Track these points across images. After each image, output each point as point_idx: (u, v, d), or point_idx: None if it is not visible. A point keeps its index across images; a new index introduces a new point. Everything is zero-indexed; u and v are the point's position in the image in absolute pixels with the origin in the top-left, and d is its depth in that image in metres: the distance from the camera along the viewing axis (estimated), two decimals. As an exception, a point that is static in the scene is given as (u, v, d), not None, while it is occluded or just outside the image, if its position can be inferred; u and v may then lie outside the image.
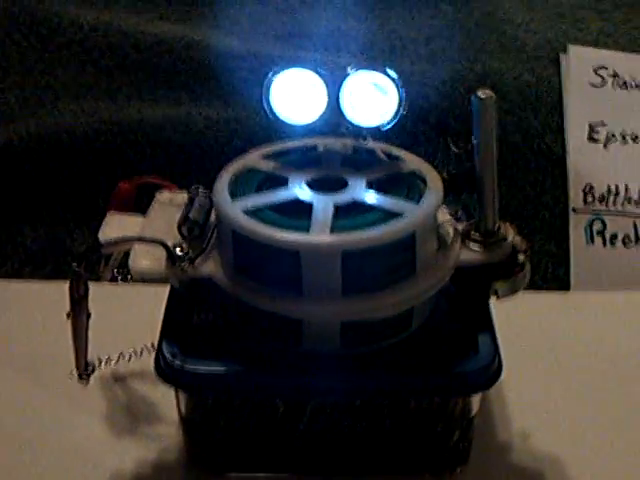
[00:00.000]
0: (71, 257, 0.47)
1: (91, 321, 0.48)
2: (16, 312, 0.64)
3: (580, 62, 0.80)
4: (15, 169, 0.76)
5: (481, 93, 0.44)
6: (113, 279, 0.53)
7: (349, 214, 0.44)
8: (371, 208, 0.44)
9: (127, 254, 0.48)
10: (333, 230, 0.43)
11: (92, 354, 0.49)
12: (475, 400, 0.48)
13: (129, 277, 0.48)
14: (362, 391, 0.46)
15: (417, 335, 0.47)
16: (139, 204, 0.56)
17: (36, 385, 0.57)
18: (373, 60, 0.80)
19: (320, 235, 0.42)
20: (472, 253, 0.46)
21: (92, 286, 0.47)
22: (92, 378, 0.49)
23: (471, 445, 0.50)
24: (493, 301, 0.48)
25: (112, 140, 0.77)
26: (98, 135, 0.77)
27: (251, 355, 0.46)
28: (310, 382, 0.45)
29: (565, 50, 0.81)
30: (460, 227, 0.47)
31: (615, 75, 0.79)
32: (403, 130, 0.71)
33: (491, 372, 0.45)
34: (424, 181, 0.46)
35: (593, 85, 0.78)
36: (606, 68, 0.79)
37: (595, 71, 0.79)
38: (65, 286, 0.46)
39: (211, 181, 0.47)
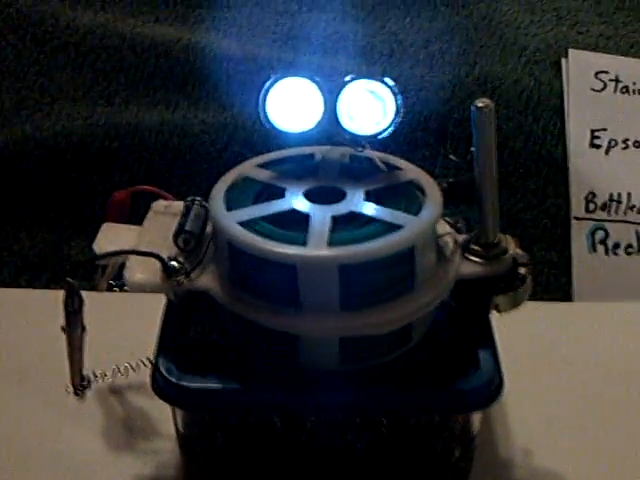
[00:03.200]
0: (66, 268, 0.46)
1: (87, 330, 0.47)
2: (12, 321, 0.63)
3: (581, 67, 0.79)
4: (10, 174, 0.76)
5: (479, 102, 0.43)
6: (110, 289, 0.53)
7: (347, 226, 0.43)
8: (369, 220, 0.44)
9: (123, 264, 0.47)
10: (331, 243, 0.42)
11: (89, 364, 0.48)
12: (476, 417, 0.47)
13: (125, 287, 0.47)
14: (360, 408, 0.45)
15: (416, 351, 0.46)
16: (135, 212, 0.55)
17: (31, 397, 0.56)
18: (371, 65, 0.79)
19: (317, 248, 0.42)
20: (472, 266, 0.46)
21: (88, 295, 0.46)
22: (87, 391, 0.49)
23: (472, 463, 0.50)
24: (493, 313, 0.47)
25: (108, 144, 0.76)
26: (95, 139, 0.76)
27: (248, 371, 0.45)
28: (308, 399, 0.44)
29: (566, 54, 0.81)
30: (460, 239, 0.47)
31: (616, 80, 0.78)
32: (401, 136, 0.71)
33: (492, 389, 0.45)
34: (423, 191, 0.46)
35: (594, 90, 0.78)
36: (607, 72, 0.79)
37: (596, 76, 0.78)
38: (62, 294, 0.46)
39: (207, 186, 0.47)
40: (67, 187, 0.76)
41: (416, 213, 0.44)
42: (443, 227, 0.47)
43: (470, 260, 0.46)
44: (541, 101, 0.77)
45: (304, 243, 0.42)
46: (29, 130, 0.78)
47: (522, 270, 0.46)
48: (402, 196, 0.46)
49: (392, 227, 0.43)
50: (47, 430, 0.54)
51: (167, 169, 0.75)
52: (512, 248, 0.46)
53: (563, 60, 0.80)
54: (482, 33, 0.84)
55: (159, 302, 0.48)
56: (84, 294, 0.46)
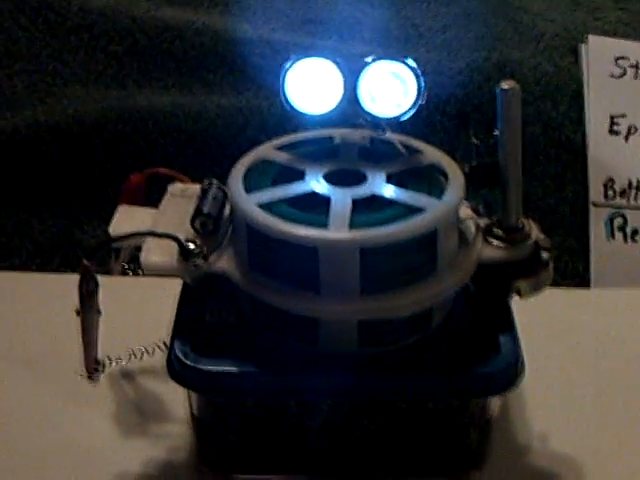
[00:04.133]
0: (81, 251, 0.45)
1: (102, 316, 0.46)
2: (24, 306, 0.63)
3: (600, 52, 0.78)
4: (22, 158, 0.75)
5: (505, 84, 0.43)
6: (124, 273, 0.52)
7: (368, 209, 0.43)
8: (391, 203, 0.43)
9: (138, 248, 0.46)
10: (352, 226, 0.41)
11: (102, 350, 0.48)
12: (494, 402, 0.47)
13: (140, 271, 0.46)
14: (379, 392, 0.44)
15: (436, 335, 0.45)
16: (150, 196, 0.54)
17: (44, 382, 0.56)
18: (388, 48, 0.79)
19: (338, 231, 0.41)
20: (494, 250, 0.45)
21: (102, 279, 0.45)
22: (101, 375, 0.48)
23: (489, 447, 0.49)
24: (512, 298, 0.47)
25: (122, 128, 0.76)
26: (107, 123, 0.76)
27: (265, 354, 0.44)
28: (325, 382, 0.44)
29: (584, 40, 0.80)
30: (482, 223, 0.46)
31: (636, 66, 0.77)
32: (419, 120, 0.70)
33: (513, 373, 0.44)
34: (445, 175, 0.45)
35: (613, 76, 0.77)
36: (627, 58, 0.78)
37: (616, 62, 0.77)
38: (74, 279, 0.45)
39: (223, 171, 0.46)
40: (79, 171, 0.75)
41: (438, 196, 0.43)
42: (465, 211, 0.46)
43: (492, 244, 0.45)
44: (560, 87, 0.76)
45: (325, 226, 0.41)
46: (41, 114, 0.77)
47: (544, 255, 0.45)
48: (424, 179, 0.45)
49: (414, 210, 0.42)
50: (60, 414, 0.54)
51: (181, 153, 0.75)
52: (535, 232, 0.46)
53: (582, 46, 0.79)
54: (499, 18, 0.83)
55: (173, 287, 0.48)
56: (98, 278, 0.45)
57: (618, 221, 0.71)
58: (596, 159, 0.72)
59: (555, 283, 0.66)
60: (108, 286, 0.46)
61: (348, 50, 0.78)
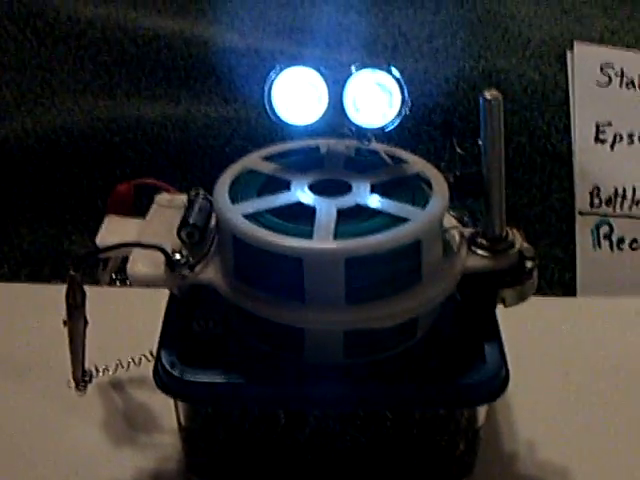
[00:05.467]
0: (69, 261, 0.45)
1: (89, 326, 0.46)
2: (13, 315, 0.63)
3: (586, 60, 0.79)
4: (11, 168, 0.75)
5: (487, 94, 0.43)
6: (111, 283, 0.53)
7: (353, 219, 0.43)
8: (375, 213, 0.43)
9: (126, 257, 0.46)
10: (336, 236, 0.42)
11: (90, 359, 0.48)
12: (481, 411, 0.47)
13: (128, 282, 0.47)
14: (365, 402, 0.45)
15: (422, 344, 0.45)
16: (137, 206, 0.54)
17: (33, 391, 0.56)
18: (375, 58, 0.79)
19: (323, 241, 0.41)
20: (479, 259, 0.45)
21: (90, 289, 0.46)
22: (90, 385, 0.48)
23: (476, 456, 0.49)
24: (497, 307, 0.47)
25: (110, 138, 0.76)
26: (96, 133, 0.76)
27: (251, 365, 0.44)
28: (312, 392, 0.44)
29: (571, 48, 0.80)
30: (466, 233, 0.46)
31: (622, 74, 0.77)
32: (406, 130, 0.70)
33: (498, 383, 0.44)
34: (429, 184, 0.45)
35: (600, 84, 0.77)
36: (613, 67, 0.78)
37: (601, 69, 0.78)
38: (63, 289, 0.45)
39: (211, 180, 0.46)
40: (68, 181, 0.75)
41: (423, 206, 0.43)
42: (449, 220, 0.46)
43: (477, 254, 0.45)
44: (546, 95, 0.76)
45: (310, 236, 0.41)
46: (30, 124, 0.77)
47: (529, 264, 0.46)
48: (408, 189, 0.45)
49: (398, 220, 0.42)
50: (49, 424, 0.54)
51: (169, 163, 0.75)
52: (519, 242, 0.46)
53: (568, 53, 0.79)
54: (486, 26, 0.83)
55: (161, 297, 0.48)
56: (86, 289, 0.45)
57: (604, 229, 0.71)
58: (582, 167, 0.73)
59: (542, 292, 0.67)
60: (96, 296, 0.47)
61: (335, 58, 0.78)
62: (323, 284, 0.42)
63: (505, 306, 0.46)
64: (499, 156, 0.44)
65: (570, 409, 0.55)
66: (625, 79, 0.77)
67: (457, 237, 0.46)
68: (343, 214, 0.43)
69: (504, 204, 0.45)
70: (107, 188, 0.62)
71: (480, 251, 0.45)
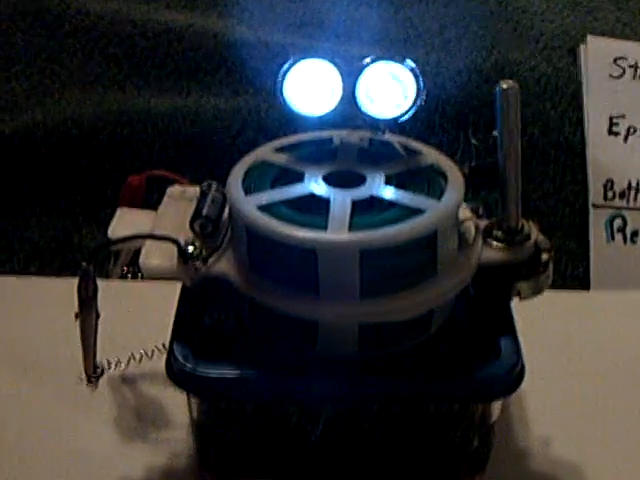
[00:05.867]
0: (80, 254, 0.45)
1: (100, 320, 0.46)
2: (23, 309, 0.62)
3: (599, 53, 0.78)
4: (21, 161, 0.75)
5: (504, 84, 0.42)
6: (123, 276, 0.52)
7: (368, 211, 0.43)
8: (390, 204, 0.43)
9: (137, 251, 0.46)
10: (351, 228, 0.41)
11: (102, 354, 0.48)
12: (495, 406, 0.47)
13: (139, 275, 0.46)
14: (379, 396, 0.44)
15: (436, 338, 0.45)
16: (149, 198, 0.54)
17: (43, 386, 0.56)
18: (387, 50, 0.78)
19: (338, 233, 0.41)
20: (494, 252, 0.45)
21: (101, 283, 0.45)
22: (100, 380, 0.48)
23: (490, 452, 0.49)
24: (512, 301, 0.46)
25: (120, 131, 0.76)
26: (106, 125, 0.76)
27: (265, 358, 0.44)
28: (325, 387, 0.44)
29: (583, 41, 0.80)
30: (482, 225, 0.46)
31: (635, 66, 0.77)
32: (418, 121, 0.70)
33: (513, 377, 0.44)
34: (444, 176, 0.45)
35: (612, 77, 0.77)
36: (626, 59, 0.78)
37: (614, 62, 0.77)
38: (73, 282, 0.45)
39: (221, 173, 0.46)
40: (78, 174, 0.75)
41: (438, 198, 0.43)
42: (464, 212, 0.46)
43: (492, 246, 0.45)
44: (559, 88, 0.76)
45: (324, 227, 0.41)
46: (40, 117, 0.77)
47: (545, 256, 0.45)
48: (423, 181, 0.45)
49: (414, 212, 0.42)
50: (60, 419, 0.54)
51: (179, 156, 0.75)
52: (534, 234, 0.45)
53: (581, 46, 0.79)
54: (498, 19, 0.83)
55: (173, 290, 0.48)
56: (97, 282, 0.45)
57: (618, 222, 0.71)
58: (595, 160, 0.72)
59: (555, 285, 0.66)
60: (107, 290, 0.46)
61: (347, 51, 0.77)
62: (337, 276, 0.41)
63: (521, 299, 0.46)
64: (516, 147, 0.43)
65: (584, 404, 0.55)
66: (638, 71, 0.77)
67: (472, 229, 0.46)
68: (358, 206, 0.42)
69: (520, 196, 0.45)
70: (117, 181, 0.62)
71: (496, 243, 0.45)
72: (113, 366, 0.49)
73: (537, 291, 0.46)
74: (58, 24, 0.85)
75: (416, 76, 0.45)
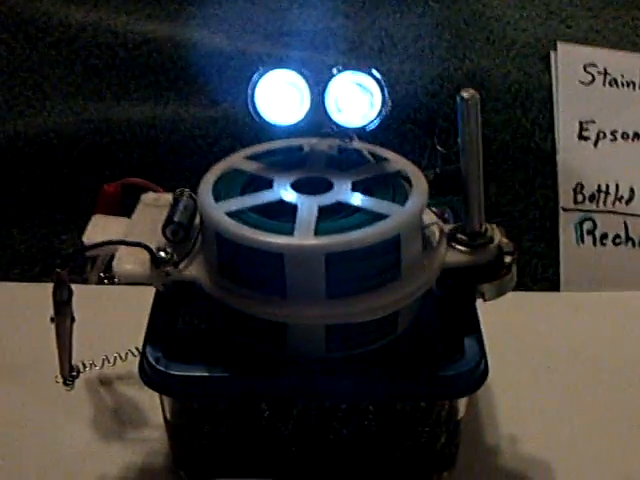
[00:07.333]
0: (58, 260, 0.46)
1: (77, 323, 0.47)
2: (4, 315, 0.63)
3: (570, 60, 0.79)
4: (1, 169, 0.76)
5: (464, 93, 0.44)
6: (100, 282, 0.53)
7: (334, 216, 0.44)
8: (356, 210, 0.44)
9: (113, 257, 0.47)
10: (317, 232, 0.42)
11: (79, 357, 0.49)
12: (462, 403, 0.48)
13: (116, 280, 0.47)
14: (347, 395, 0.46)
15: (402, 338, 0.46)
16: (125, 205, 0.55)
17: (22, 389, 0.57)
18: (361, 59, 0.80)
19: (304, 237, 0.42)
20: (458, 255, 0.46)
21: (78, 288, 0.46)
22: (78, 381, 0.49)
23: (458, 449, 0.50)
24: (481, 302, 0.48)
25: (100, 140, 0.76)
26: (86, 135, 0.77)
27: (236, 359, 0.45)
28: (295, 386, 0.45)
29: (555, 48, 0.81)
30: (446, 228, 0.47)
31: (605, 72, 0.78)
32: (391, 129, 0.71)
33: (477, 375, 0.45)
34: (409, 182, 0.46)
35: (583, 83, 0.78)
36: (596, 65, 0.79)
37: (585, 68, 0.79)
38: (51, 287, 0.46)
39: (198, 180, 0.47)
40: (58, 182, 0.76)
41: (402, 203, 0.44)
42: (429, 217, 0.47)
43: (456, 249, 0.46)
44: (530, 94, 0.77)
45: (291, 233, 0.42)
46: (21, 126, 0.78)
47: (507, 259, 0.46)
48: (389, 186, 0.46)
49: (378, 217, 0.43)
50: (37, 420, 0.55)
51: (158, 164, 0.76)
52: (498, 237, 0.46)
53: (552, 53, 0.80)
54: (472, 28, 0.84)
55: (148, 295, 0.49)
56: (75, 287, 0.46)
57: (587, 225, 0.72)
58: (566, 164, 0.74)
59: (525, 287, 0.68)
60: (84, 295, 0.47)
61: (322, 61, 0.78)
62: (304, 279, 0.42)
63: (484, 300, 0.47)
64: (477, 154, 0.45)
65: (552, 403, 0.56)
66: (608, 77, 0.78)
67: (437, 233, 0.47)
68: (324, 211, 0.44)
69: (482, 200, 0.46)
70: (96, 189, 0.63)
71: (459, 246, 0.46)
72: (88, 368, 0.50)
73: (500, 293, 0.47)
74: (39, 35, 0.85)
75: (381, 87, 0.46)
